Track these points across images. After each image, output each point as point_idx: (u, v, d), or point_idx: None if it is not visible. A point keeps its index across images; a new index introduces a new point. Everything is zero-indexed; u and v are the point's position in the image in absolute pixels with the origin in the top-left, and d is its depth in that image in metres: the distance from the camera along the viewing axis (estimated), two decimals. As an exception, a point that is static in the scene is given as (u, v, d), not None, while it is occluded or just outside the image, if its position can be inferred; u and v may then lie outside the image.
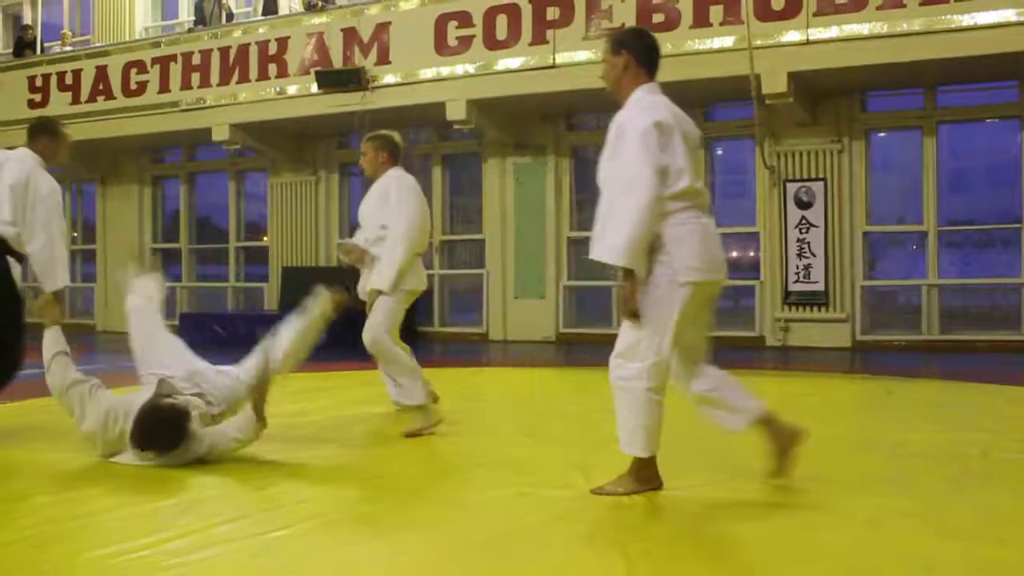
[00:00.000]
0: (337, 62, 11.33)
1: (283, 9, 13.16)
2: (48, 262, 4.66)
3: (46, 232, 4.64)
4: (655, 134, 3.23)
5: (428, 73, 10.86)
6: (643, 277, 3.27)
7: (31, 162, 4.77)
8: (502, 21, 10.43)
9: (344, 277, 5.43)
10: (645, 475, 3.41)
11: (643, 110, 3.31)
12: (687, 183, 3.26)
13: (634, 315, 3.28)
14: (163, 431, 3.84)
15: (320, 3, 11.91)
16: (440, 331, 12.23)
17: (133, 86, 12.86)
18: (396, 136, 5.46)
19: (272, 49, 11.84)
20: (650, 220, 3.20)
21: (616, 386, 3.37)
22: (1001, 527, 2.99)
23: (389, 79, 11.08)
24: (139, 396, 4.05)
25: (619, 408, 3.37)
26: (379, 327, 5.09)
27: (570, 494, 3.42)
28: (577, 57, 10.03)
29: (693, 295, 3.28)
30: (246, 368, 4.29)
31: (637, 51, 3.45)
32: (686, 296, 3.27)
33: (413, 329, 11.92)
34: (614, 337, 3.41)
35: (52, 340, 4.19)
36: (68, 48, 14.60)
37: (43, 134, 4.93)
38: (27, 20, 15.80)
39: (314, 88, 11.39)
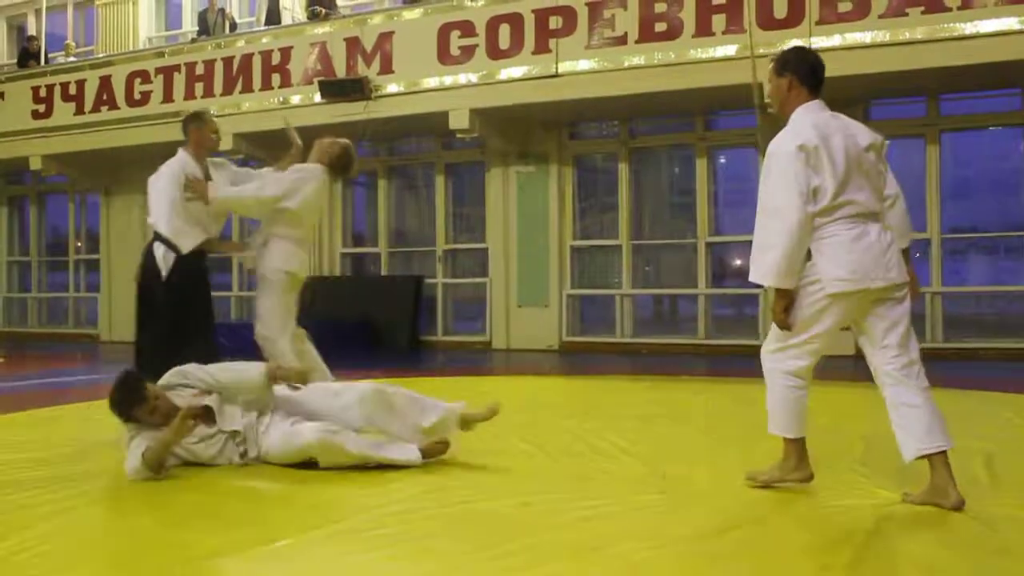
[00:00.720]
0: (340, 72, 11.36)
1: (286, 19, 13.23)
2: (168, 233, 5.03)
3: (157, 208, 5.11)
4: (800, 157, 3.32)
5: (431, 82, 10.90)
6: (794, 292, 3.41)
7: (175, 157, 5.30)
8: (504, 30, 10.46)
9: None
10: (789, 463, 3.55)
11: (790, 134, 3.41)
12: (829, 199, 3.33)
13: (786, 327, 3.44)
14: (113, 392, 4.05)
15: (323, 13, 11.96)
16: (443, 340, 12.24)
17: (137, 96, 12.91)
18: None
19: (275, 59, 11.89)
20: (799, 241, 3.33)
21: (765, 369, 3.59)
22: (1004, 536, 2.98)
23: (392, 88, 11.12)
24: None
25: (767, 393, 3.57)
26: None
27: (574, 503, 3.41)
28: (579, 66, 10.07)
29: (838, 304, 3.38)
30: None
31: (800, 71, 3.53)
32: (831, 306, 3.38)
33: (416, 338, 11.98)
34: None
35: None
36: (72, 59, 14.68)
37: (191, 124, 5.41)
38: (31, 31, 15.90)
39: (317, 98, 11.44)
